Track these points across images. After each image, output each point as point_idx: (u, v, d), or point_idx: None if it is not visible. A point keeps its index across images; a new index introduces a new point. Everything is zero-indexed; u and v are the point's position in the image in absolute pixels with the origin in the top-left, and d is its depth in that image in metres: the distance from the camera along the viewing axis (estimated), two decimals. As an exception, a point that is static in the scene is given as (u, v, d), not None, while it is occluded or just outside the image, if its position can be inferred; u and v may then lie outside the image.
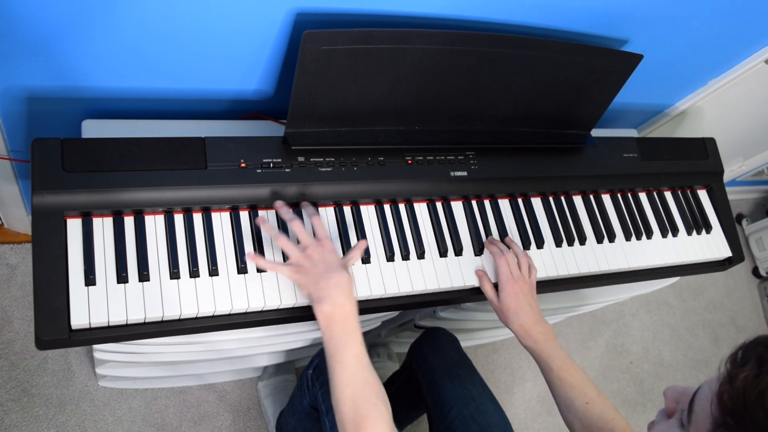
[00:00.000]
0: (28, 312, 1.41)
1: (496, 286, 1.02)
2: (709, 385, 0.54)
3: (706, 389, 0.54)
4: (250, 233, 0.93)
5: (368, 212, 1.01)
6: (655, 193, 1.26)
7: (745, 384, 0.50)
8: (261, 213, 0.95)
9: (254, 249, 0.92)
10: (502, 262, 1.01)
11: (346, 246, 0.97)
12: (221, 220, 0.93)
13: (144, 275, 0.85)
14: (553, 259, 1.10)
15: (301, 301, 0.92)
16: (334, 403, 0.81)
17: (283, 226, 0.94)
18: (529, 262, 1.04)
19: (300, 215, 0.94)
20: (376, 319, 1.21)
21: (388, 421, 0.79)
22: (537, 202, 1.14)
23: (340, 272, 0.86)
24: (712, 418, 0.52)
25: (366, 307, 0.98)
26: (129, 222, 0.88)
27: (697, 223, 1.28)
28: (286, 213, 0.91)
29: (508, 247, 1.05)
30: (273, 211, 0.96)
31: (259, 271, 0.92)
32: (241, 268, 0.91)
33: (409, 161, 1.03)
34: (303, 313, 0.93)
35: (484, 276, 1.02)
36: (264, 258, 0.89)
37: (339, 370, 0.81)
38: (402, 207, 1.04)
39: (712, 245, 1.27)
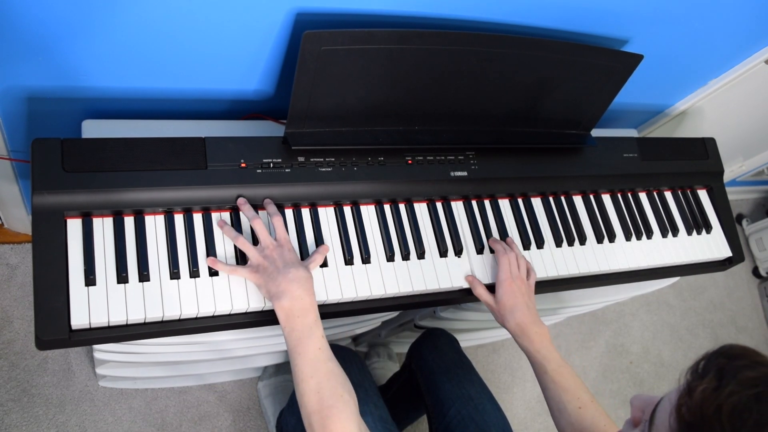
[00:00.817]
0: (28, 312, 1.41)
1: (489, 288, 1.01)
2: (669, 397, 0.53)
3: (666, 401, 0.53)
4: (250, 233, 0.93)
5: (368, 212, 1.01)
6: (655, 193, 1.26)
7: (703, 397, 0.49)
8: (261, 213, 0.95)
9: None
10: (505, 260, 1.00)
11: (346, 245, 0.97)
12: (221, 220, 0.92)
13: (144, 275, 0.85)
14: (553, 259, 1.10)
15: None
16: (299, 397, 0.79)
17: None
18: (528, 265, 1.03)
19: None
20: (376, 319, 1.21)
21: (354, 411, 0.77)
22: (537, 202, 1.14)
23: (297, 268, 0.85)
24: (670, 430, 0.51)
25: (366, 307, 0.98)
26: (129, 222, 0.88)
27: (697, 223, 1.28)
28: (248, 211, 0.91)
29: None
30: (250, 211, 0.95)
31: (259, 271, 0.92)
32: (241, 268, 0.91)
33: (409, 161, 1.03)
34: (303, 313, 0.93)
35: (474, 280, 1.01)
36: (222, 262, 0.88)
37: (301, 363, 0.79)
38: (402, 207, 1.04)
39: (712, 245, 1.27)
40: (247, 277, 0.88)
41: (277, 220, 0.90)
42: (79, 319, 0.80)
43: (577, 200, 1.18)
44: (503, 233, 1.08)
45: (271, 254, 0.87)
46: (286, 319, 0.82)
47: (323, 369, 0.79)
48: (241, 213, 0.92)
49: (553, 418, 0.94)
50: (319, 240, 0.96)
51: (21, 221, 1.42)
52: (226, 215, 0.93)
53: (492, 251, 1.05)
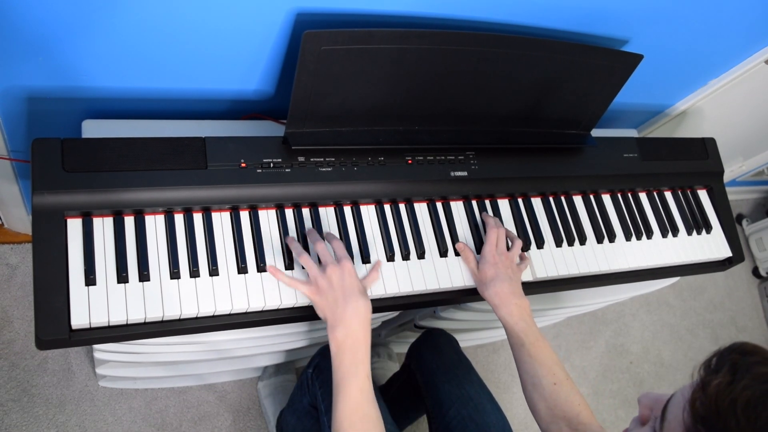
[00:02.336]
0: (28, 312, 1.41)
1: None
2: (682, 392, 0.54)
3: (679, 396, 0.54)
4: (250, 233, 0.93)
5: (368, 212, 1.01)
6: (655, 193, 1.26)
7: (717, 391, 0.49)
8: (261, 213, 0.95)
9: (254, 250, 0.92)
10: (492, 234, 1.01)
11: (346, 245, 0.97)
12: (221, 220, 0.93)
13: (144, 275, 0.85)
14: (553, 259, 1.10)
15: (302, 302, 0.92)
16: (333, 431, 0.82)
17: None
18: (523, 255, 1.04)
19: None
20: (376, 319, 1.21)
21: None
22: (537, 202, 1.14)
23: (358, 298, 0.86)
24: (684, 425, 0.51)
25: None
26: (129, 222, 0.88)
27: (697, 223, 1.28)
28: (311, 233, 0.93)
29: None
30: (269, 213, 0.96)
31: (259, 270, 0.92)
32: (242, 268, 0.91)
33: (409, 161, 1.03)
34: (303, 313, 0.93)
35: (466, 247, 1.02)
36: (284, 273, 0.90)
37: (341, 401, 0.81)
38: (402, 207, 1.04)
39: (712, 245, 1.27)
40: (307, 294, 0.88)
41: (337, 244, 0.92)
42: (79, 319, 0.80)
43: (577, 200, 1.18)
44: (503, 233, 1.08)
45: (331, 274, 0.87)
46: (337, 351, 0.84)
47: (359, 413, 0.81)
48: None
49: (526, 393, 0.92)
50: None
51: (21, 221, 1.42)
52: (226, 215, 0.93)
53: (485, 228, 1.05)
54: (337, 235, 0.97)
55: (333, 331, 0.84)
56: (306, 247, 0.94)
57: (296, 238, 0.94)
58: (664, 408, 0.55)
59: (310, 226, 0.97)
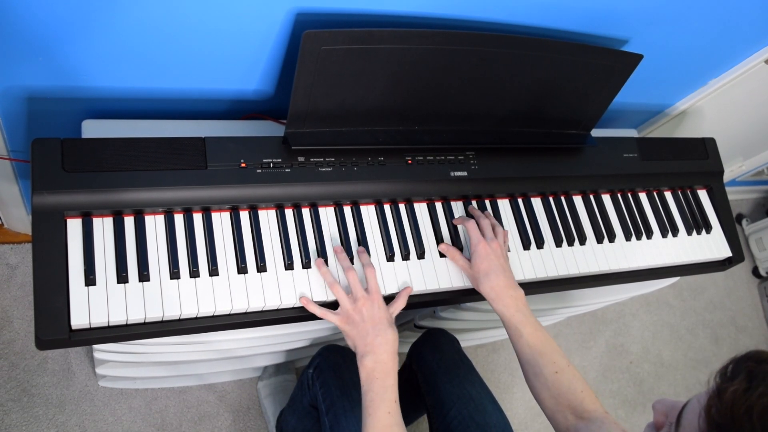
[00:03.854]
0: (28, 312, 1.41)
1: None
2: (698, 398, 0.54)
3: (695, 403, 0.54)
4: (250, 233, 0.93)
5: (368, 212, 1.01)
6: (655, 193, 1.26)
7: (733, 398, 0.49)
8: (261, 213, 0.95)
9: (254, 250, 0.92)
10: (471, 225, 1.01)
11: (346, 245, 0.97)
12: (221, 220, 0.93)
13: (144, 275, 0.85)
14: (553, 259, 1.10)
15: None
16: None
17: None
18: (499, 230, 1.03)
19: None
20: (376, 319, 1.20)
21: None
22: (537, 202, 1.14)
23: (387, 330, 0.90)
24: (700, 431, 0.51)
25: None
26: (129, 222, 0.88)
27: (697, 223, 1.28)
28: (343, 260, 0.95)
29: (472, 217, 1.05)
30: (269, 214, 0.96)
31: (259, 271, 0.92)
32: (242, 269, 0.91)
33: (409, 161, 1.03)
34: (303, 313, 0.93)
35: (450, 247, 1.02)
36: (316, 305, 0.92)
37: (370, 424, 0.85)
38: (402, 207, 1.04)
39: (712, 245, 1.27)
40: (337, 324, 0.92)
41: (370, 272, 0.94)
42: (79, 319, 0.80)
43: (577, 200, 1.18)
44: (503, 233, 1.08)
45: (362, 307, 0.91)
46: (366, 378, 0.88)
47: None
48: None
49: (528, 383, 0.93)
50: (320, 240, 0.96)
51: (21, 221, 1.42)
52: (226, 215, 0.93)
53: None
54: (336, 233, 0.97)
55: (362, 360, 0.88)
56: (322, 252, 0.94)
57: (317, 250, 0.95)
58: (679, 414, 0.55)
59: (311, 226, 0.97)
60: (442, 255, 1.02)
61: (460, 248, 1.04)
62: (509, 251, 1.07)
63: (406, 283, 0.98)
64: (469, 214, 1.06)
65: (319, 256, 0.95)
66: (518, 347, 0.93)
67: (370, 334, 0.89)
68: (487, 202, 1.10)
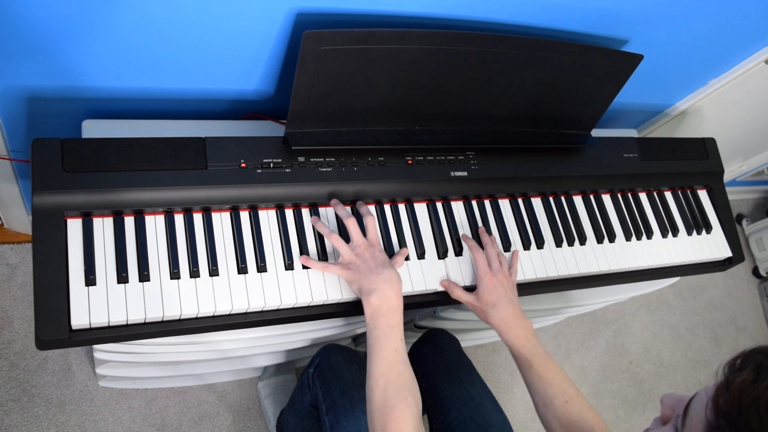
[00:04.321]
0: (28, 312, 1.41)
1: (469, 289, 1.01)
2: (705, 390, 0.55)
3: (703, 394, 0.55)
4: (250, 233, 0.93)
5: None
6: (655, 193, 1.26)
7: (741, 388, 0.50)
8: (261, 213, 0.95)
9: (254, 250, 0.92)
10: (479, 256, 1.01)
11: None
12: (221, 220, 0.93)
13: (144, 275, 0.85)
14: (553, 259, 1.10)
15: (302, 302, 0.92)
16: (367, 391, 0.84)
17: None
18: (509, 263, 1.03)
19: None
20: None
21: (415, 414, 0.81)
22: (537, 202, 1.14)
23: (390, 269, 0.90)
24: (707, 421, 0.52)
25: (366, 307, 0.98)
26: (129, 222, 0.88)
27: (697, 223, 1.28)
28: (341, 210, 0.95)
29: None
30: (286, 212, 0.96)
31: (259, 271, 0.92)
32: (242, 268, 0.91)
33: (409, 161, 1.03)
34: (303, 313, 0.93)
35: (450, 284, 1.00)
36: (315, 260, 0.93)
37: (376, 360, 0.84)
38: (402, 207, 1.04)
39: (712, 245, 1.27)
40: (339, 273, 0.92)
41: (370, 220, 0.95)
42: (79, 319, 0.80)
43: (577, 200, 1.18)
44: (503, 233, 1.08)
45: (363, 252, 0.91)
46: (372, 316, 0.87)
47: (394, 371, 0.83)
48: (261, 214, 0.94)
49: (539, 413, 0.93)
50: (320, 239, 0.96)
51: (21, 221, 1.42)
52: (226, 215, 0.93)
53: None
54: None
55: (367, 297, 0.87)
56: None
57: (317, 250, 0.96)
58: (687, 406, 0.56)
59: (311, 226, 0.97)
60: (441, 255, 1.02)
61: (459, 249, 1.03)
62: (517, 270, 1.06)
63: (406, 284, 0.98)
64: (473, 233, 1.06)
65: (319, 256, 0.95)
66: (528, 378, 0.94)
67: (373, 273, 0.89)
68: (487, 202, 1.10)
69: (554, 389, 0.91)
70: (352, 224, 0.93)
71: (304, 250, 0.95)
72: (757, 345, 0.55)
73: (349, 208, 0.97)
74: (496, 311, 0.96)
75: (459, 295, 0.99)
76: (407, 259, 1.00)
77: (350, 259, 0.91)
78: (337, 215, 0.97)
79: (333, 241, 0.93)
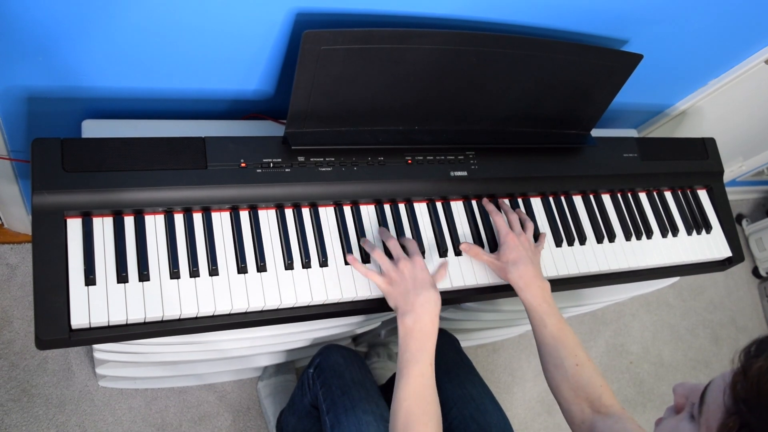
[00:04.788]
0: (28, 312, 1.41)
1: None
2: (722, 377, 0.55)
3: (719, 381, 0.55)
4: (250, 233, 0.93)
5: (368, 212, 1.01)
6: (655, 193, 1.26)
7: (759, 374, 0.51)
8: (261, 213, 0.95)
9: (254, 249, 0.92)
10: (498, 219, 1.03)
11: (346, 245, 0.97)
12: (221, 220, 0.93)
13: (144, 275, 0.85)
14: (553, 259, 1.10)
15: (301, 301, 0.92)
16: (391, 413, 0.85)
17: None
18: (530, 225, 1.06)
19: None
20: (376, 319, 1.21)
21: None
22: (537, 202, 1.14)
23: (429, 290, 0.90)
24: (725, 407, 0.53)
25: (365, 307, 0.98)
26: (129, 222, 0.88)
27: (697, 223, 1.28)
28: (384, 232, 0.98)
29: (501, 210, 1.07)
30: (286, 213, 0.96)
31: (259, 270, 0.92)
32: (242, 268, 0.91)
33: (409, 161, 1.03)
34: (302, 313, 0.93)
35: (469, 245, 1.02)
36: (361, 264, 0.95)
37: (403, 383, 0.85)
38: (402, 207, 1.04)
39: (712, 245, 1.27)
40: (379, 284, 0.93)
41: (411, 241, 0.97)
42: (79, 319, 0.80)
43: (577, 200, 1.18)
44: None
45: (403, 268, 0.92)
46: (404, 337, 0.88)
47: (419, 396, 0.84)
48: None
49: (547, 375, 0.93)
50: (320, 239, 0.96)
51: (21, 221, 1.42)
52: (226, 215, 0.93)
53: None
54: (336, 233, 0.98)
55: (403, 318, 0.88)
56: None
57: (317, 250, 0.96)
58: (703, 393, 0.57)
59: (310, 226, 0.97)
60: (442, 254, 1.02)
61: (459, 250, 1.03)
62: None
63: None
64: (473, 233, 1.07)
65: (319, 256, 0.96)
66: (541, 337, 0.94)
67: (411, 293, 0.89)
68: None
69: (566, 351, 0.91)
70: (392, 243, 0.95)
71: (304, 249, 0.95)
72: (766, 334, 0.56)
73: (388, 230, 1.00)
74: (516, 268, 0.97)
75: (477, 253, 1.02)
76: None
77: (390, 273, 0.92)
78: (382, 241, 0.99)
79: (376, 255, 0.94)
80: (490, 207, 1.06)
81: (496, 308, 1.31)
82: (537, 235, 1.09)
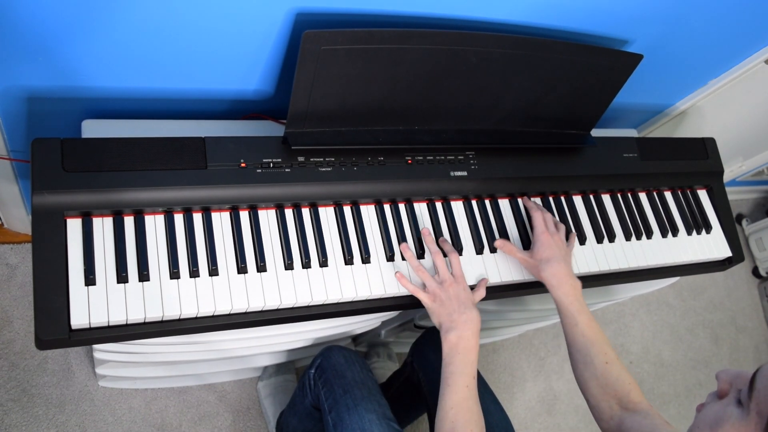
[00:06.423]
0: (28, 312, 1.41)
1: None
2: None
3: None
4: (249, 233, 0.93)
5: (368, 212, 1.01)
6: (655, 193, 1.26)
7: None
8: (261, 213, 0.95)
9: (254, 249, 0.92)
10: (538, 216, 1.05)
11: (346, 245, 0.97)
12: (221, 220, 0.93)
13: (144, 275, 0.85)
14: (553, 259, 1.10)
15: (301, 301, 0.92)
16: (437, 421, 0.89)
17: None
18: (562, 227, 1.07)
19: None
20: (376, 319, 1.21)
21: None
22: (537, 202, 1.14)
23: (472, 309, 0.95)
24: None
25: (366, 307, 0.98)
26: (129, 222, 0.88)
27: (697, 223, 1.28)
28: (431, 244, 1.01)
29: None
30: (287, 212, 0.96)
31: (259, 270, 0.92)
32: (241, 268, 0.91)
33: (409, 161, 1.03)
34: (302, 313, 0.93)
35: (504, 242, 1.05)
36: (410, 282, 0.98)
37: (448, 394, 0.89)
38: (402, 207, 1.04)
39: (712, 245, 1.27)
40: (424, 301, 0.97)
41: (455, 258, 1.00)
42: (78, 319, 0.80)
43: (577, 200, 1.18)
44: (503, 233, 1.08)
45: (448, 288, 0.96)
46: (448, 352, 0.92)
47: (464, 406, 0.88)
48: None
49: (577, 373, 0.96)
50: (320, 239, 0.96)
51: (21, 221, 1.42)
52: (226, 215, 0.93)
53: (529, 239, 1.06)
54: (336, 233, 0.98)
55: (446, 334, 0.93)
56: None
57: (317, 250, 0.96)
58: (753, 378, 0.58)
59: (310, 226, 0.97)
60: (440, 254, 1.02)
61: (459, 249, 1.04)
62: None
63: (406, 283, 0.98)
64: (473, 233, 1.07)
65: (319, 256, 0.95)
66: (572, 335, 0.96)
67: (456, 312, 0.93)
68: (487, 202, 1.10)
69: (596, 349, 0.93)
70: (439, 260, 0.98)
71: (304, 249, 0.95)
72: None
73: (435, 241, 1.01)
74: (549, 266, 0.99)
75: (512, 250, 1.04)
76: (403, 259, 1.00)
77: (435, 292, 0.96)
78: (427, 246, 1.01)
79: (420, 273, 0.97)
80: (530, 204, 1.09)
81: (499, 308, 1.31)
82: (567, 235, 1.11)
